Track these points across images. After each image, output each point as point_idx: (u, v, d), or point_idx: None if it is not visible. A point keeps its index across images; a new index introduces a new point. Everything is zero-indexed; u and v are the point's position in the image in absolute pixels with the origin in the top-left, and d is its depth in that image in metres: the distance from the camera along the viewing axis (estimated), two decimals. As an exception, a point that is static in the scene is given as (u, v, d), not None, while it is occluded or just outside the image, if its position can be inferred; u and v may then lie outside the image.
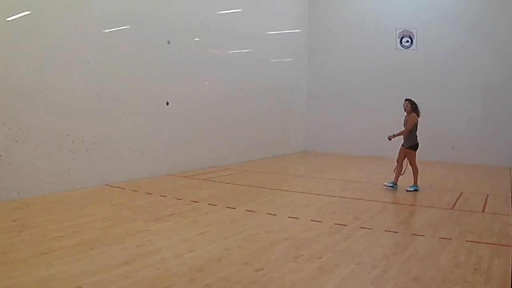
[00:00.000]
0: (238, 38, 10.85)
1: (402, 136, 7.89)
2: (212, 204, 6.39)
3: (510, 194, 7.48)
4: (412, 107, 7.91)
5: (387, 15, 12.41)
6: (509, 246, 4.61)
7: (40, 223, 5.04)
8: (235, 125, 10.81)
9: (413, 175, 7.74)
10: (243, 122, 11.06)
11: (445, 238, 4.90)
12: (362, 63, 12.79)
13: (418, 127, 7.87)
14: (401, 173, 7.75)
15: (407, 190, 7.60)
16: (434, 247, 4.62)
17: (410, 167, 7.73)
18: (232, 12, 10.60)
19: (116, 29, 7.80)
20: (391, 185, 7.75)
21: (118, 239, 4.69)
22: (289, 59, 13.10)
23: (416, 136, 7.85)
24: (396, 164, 7.84)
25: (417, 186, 7.72)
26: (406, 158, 7.81)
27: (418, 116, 7.89)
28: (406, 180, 7.76)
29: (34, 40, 6.56)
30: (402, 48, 12.33)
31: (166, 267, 3.92)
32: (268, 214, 5.94)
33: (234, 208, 6.21)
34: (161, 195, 6.99)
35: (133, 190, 7.29)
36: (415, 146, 7.83)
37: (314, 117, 13.47)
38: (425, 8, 11.97)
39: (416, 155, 7.83)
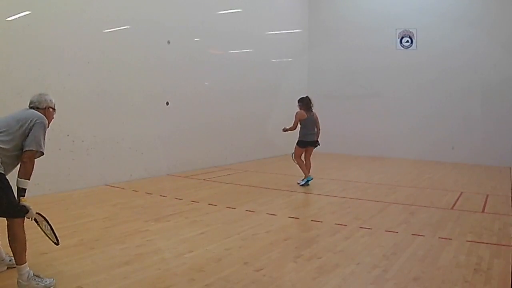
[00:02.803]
0: (238, 38, 10.86)
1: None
2: (212, 204, 6.39)
3: (510, 194, 7.48)
4: (300, 105, 7.96)
5: (387, 15, 12.41)
6: (509, 246, 4.61)
7: (40, 223, 5.04)
8: (235, 125, 10.81)
9: (300, 167, 7.95)
10: (243, 122, 11.06)
11: (445, 238, 4.90)
12: (362, 63, 12.79)
13: (310, 124, 7.89)
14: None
15: (299, 184, 7.84)
16: (434, 247, 4.61)
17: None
18: (232, 12, 10.60)
19: (116, 29, 7.81)
20: (304, 181, 7.87)
21: (118, 239, 4.69)
22: (289, 59, 13.09)
23: (307, 134, 7.88)
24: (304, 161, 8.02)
25: (310, 177, 7.88)
26: (310, 153, 8.05)
27: (308, 110, 7.88)
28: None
29: (34, 40, 6.57)
30: (402, 48, 12.33)
31: (166, 267, 3.92)
32: (268, 214, 5.94)
33: (234, 208, 6.21)
34: (161, 195, 6.99)
35: (133, 190, 7.29)
36: (299, 142, 7.93)
37: (314, 117, 13.47)
38: (425, 8, 11.97)
39: (302, 152, 7.95)
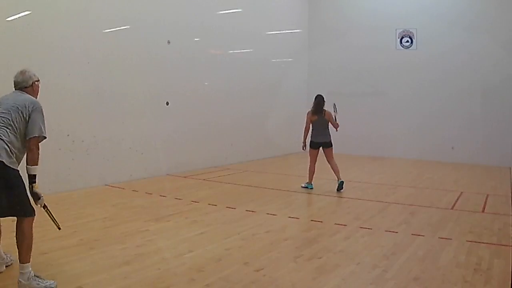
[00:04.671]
0: (238, 38, 10.85)
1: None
2: (212, 204, 6.39)
3: (510, 194, 7.48)
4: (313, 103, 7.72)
5: (387, 15, 12.41)
6: (509, 246, 4.62)
7: (40, 223, 5.00)
8: (235, 125, 10.81)
9: (308, 171, 7.74)
10: (243, 122, 11.06)
11: (445, 238, 4.90)
12: (362, 63, 12.78)
13: (319, 124, 7.58)
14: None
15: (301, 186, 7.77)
16: (434, 247, 4.62)
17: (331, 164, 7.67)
18: (232, 12, 10.60)
19: (116, 29, 7.80)
20: (304, 185, 7.75)
21: (118, 239, 4.69)
22: (289, 59, 13.09)
23: (316, 135, 7.59)
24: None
25: (310, 184, 7.71)
26: (329, 155, 7.64)
27: (317, 112, 7.60)
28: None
29: (34, 40, 6.56)
30: (402, 48, 12.33)
31: (166, 267, 3.92)
32: (268, 214, 5.94)
33: (234, 208, 6.21)
34: (161, 195, 6.99)
35: (133, 190, 7.29)
36: (310, 143, 7.65)
37: (314, 117, 13.47)
38: (425, 8, 11.97)
39: (315, 154, 7.64)
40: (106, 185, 7.62)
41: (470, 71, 11.47)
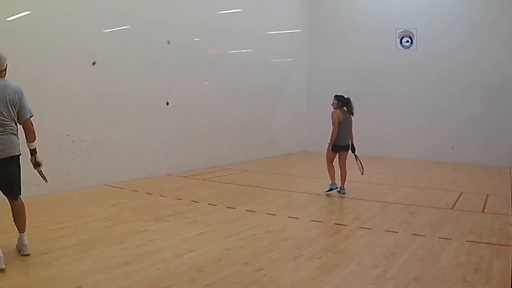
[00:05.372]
0: (238, 38, 10.85)
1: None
2: (212, 204, 6.39)
3: (510, 194, 7.48)
4: (339, 104, 7.22)
5: (387, 15, 12.41)
6: (509, 246, 4.62)
7: (40, 223, 5.04)
8: (235, 125, 10.81)
9: (329, 173, 7.29)
10: (243, 122, 11.05)
11: (445, 238, 4.90)
12: (362, 63, 12.78)
13: (344, 126, 7.13)
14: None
15: (326, 191, 7.22)
16: (434, 247, 4.62)
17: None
18: (232, 12, 10.60)
19: (116, 29, 7.80)
20: (328, 188, 7.21)
21: (118, 239, 4.69)
22: (289, 59, 13.10)
23: (340, 137, 7.11)
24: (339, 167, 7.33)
25: (334, 185, 7.19)
26: (344, 159, 7.30)
27: (349, 113, 7.21)
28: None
29: (34, 40, 6.56)
30: (402, 48, 12.33)
31: (166, 267, 3.92)
32: (268, 214, 5.94)
33: (234, 208, 6.21)
34: (161, 195, 6.99)
35: (133, 190, 7.29)
36: (331, 146, 7.18)
37: (314, 117, 13.46)
38: (425, 8, 11.97)
39: (334, 157, 7.25)
40: (106, 185, 7.62)
41: (470, 71, 11.47)
